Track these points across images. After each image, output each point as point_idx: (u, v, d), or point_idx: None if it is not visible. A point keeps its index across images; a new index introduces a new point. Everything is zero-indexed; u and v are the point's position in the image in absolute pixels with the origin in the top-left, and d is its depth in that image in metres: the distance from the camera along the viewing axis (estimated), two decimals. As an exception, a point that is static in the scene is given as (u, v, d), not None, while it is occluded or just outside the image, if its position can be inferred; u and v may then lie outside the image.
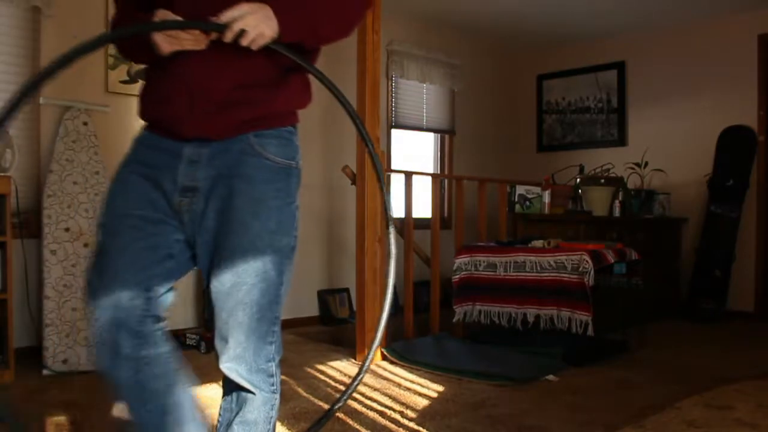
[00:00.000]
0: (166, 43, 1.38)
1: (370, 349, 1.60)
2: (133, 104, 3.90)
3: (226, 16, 1.34)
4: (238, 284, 1.44)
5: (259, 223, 1.45)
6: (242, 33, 1.35)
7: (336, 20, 1.50)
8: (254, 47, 1.37)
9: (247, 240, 1.44)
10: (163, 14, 1.37)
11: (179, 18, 1.36)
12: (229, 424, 1.57)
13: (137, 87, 3.89)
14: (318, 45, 1.53)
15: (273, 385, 1.55)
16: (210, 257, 1.47)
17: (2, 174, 3.09)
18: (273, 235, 1.47)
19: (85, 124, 3.54)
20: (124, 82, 3.85)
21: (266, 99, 1.47)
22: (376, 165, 1.57)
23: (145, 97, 1.54)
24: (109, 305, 1.38)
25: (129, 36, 1.44)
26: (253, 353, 1.49)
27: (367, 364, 1.61)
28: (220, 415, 1.62)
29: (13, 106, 1.24)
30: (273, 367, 1.55)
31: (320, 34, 1.48)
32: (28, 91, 1.27)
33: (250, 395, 1.53)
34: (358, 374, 1.60)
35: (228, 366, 1.49)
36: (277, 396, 1.59)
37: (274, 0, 1.38)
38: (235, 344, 1.47)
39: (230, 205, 1.44)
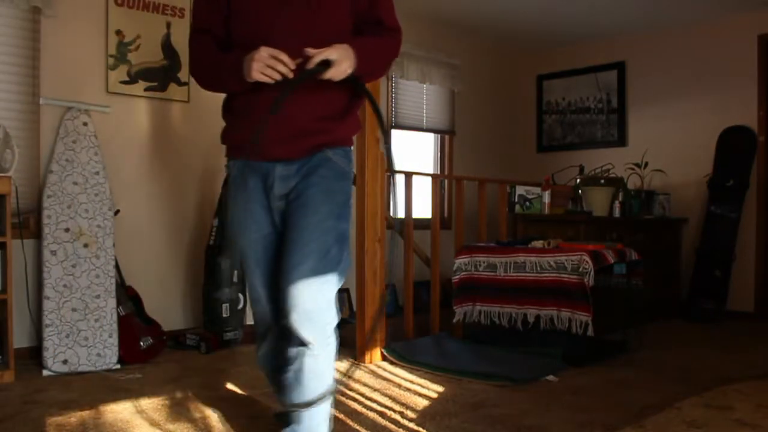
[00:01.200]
0: (259, 73, 1.75)
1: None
2: (134, 104, 3.90)
3: (327, 55, 1.74)
4: (307, 256, 1.85)
5: (327, 208, 1.90)
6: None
7: (382, 62, 2.02)
8: (336, 79, 1.79)
9: (317, 220, 1.88)
10: (271, 52, 1.73)
11: (283, 55, 1.75)
12: (287, 373, 1.94)
13: (137, 87, 3.90)
14: (367, 80, 1.97)
15: (329, 345, 1.93)
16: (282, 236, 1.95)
17: (2, 174, 3.08)
18: (337, 220, 1.92)
19: (85, 124, 3.54)
20: (124, 82, 3.85)
21: (335, 128, 1.94)
22: (393, 199, 1.93)
23: (232, 122, 1.98)
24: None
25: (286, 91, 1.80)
26: (316, 313, 1.86)
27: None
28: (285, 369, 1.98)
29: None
30: (330, 327, 1.92)
31: (373, 72, 1.99)
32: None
33: (305, 350, 1.89)
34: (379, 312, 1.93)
35: (293, 322, 1.85)
36: (331, 350, 1.95)
37: (348, 44, 1.81)
38: (303, 302, 1.83)
39: (306, 194, 1.91)
